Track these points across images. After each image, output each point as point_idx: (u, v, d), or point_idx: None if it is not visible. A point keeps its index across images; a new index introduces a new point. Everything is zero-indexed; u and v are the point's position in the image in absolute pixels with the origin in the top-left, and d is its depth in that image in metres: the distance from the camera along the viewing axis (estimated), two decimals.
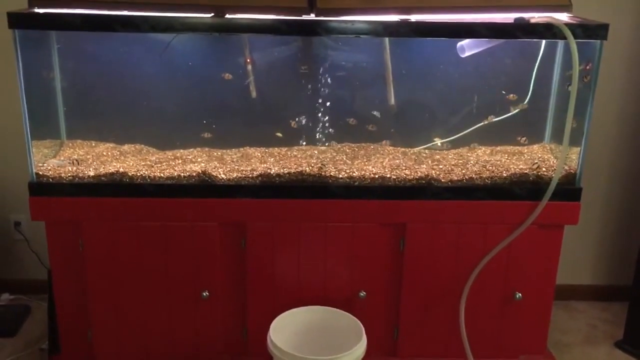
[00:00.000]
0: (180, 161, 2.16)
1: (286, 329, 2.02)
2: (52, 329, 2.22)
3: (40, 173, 2.03)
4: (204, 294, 2.09)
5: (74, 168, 2.04)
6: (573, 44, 1.86)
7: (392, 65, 2.17)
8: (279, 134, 2.19)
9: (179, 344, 2.16)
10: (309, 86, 2.22)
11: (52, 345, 2.24)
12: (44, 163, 2.08)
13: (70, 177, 2.04)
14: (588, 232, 2.77)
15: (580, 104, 1.96)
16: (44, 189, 2.02)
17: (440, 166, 2.14)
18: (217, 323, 2.15)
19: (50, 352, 2.24)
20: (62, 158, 2.11)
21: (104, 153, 2.20)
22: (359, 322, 2.00)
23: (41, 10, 1.93)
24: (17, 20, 1.88)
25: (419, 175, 2.08)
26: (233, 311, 2.15)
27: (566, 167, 2.08)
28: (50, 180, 2.03)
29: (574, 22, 1.96)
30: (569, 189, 2.07)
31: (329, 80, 2.21)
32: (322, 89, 2.21)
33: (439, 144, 2.27)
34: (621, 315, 2.62)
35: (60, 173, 2.04)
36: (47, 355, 2.29)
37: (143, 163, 2.13)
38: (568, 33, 1.87)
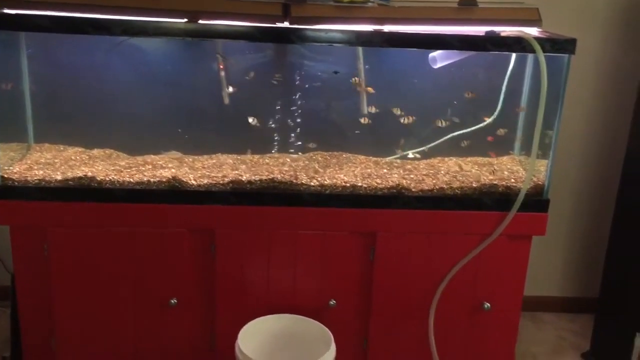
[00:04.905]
0: (150, 166, 2.13)
1: (255, 337, 2.01)
2: (15, 336, 2.17)
3: (6, 176, 2.00)
4: (172, 301, 2.06)
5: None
6: (542, 57, 1.90)
7: (365, 75, 2.18)
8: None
9: (145, 351, 2.12)
10: (282, 94, 2.22)
11: (15, 353, 2.19)
12: (10, 166, 2.05)
13: (37, 181, 2.00)
14: (556, 244, 2.81)
15: (549, 117, 2.00)
16: (9, 193, 1.98)
17: (412, 176, 2.16)
18: (185, 331, 2.12)
19: None
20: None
21: (73, 157, 2.17)
22: (328, 330, 1.99)
23: (11, 11, 1.90)
24: None
25: (390, 184, 2.09)
26: (201, 319, 2.13)
27: (534, 179, 2.11)
28: (16, 183, 1.99)
29: (543, 36, 2.00)
30: (536, 201, 2.09)
31: (302, 88, 2.21)
32: (295, 97, 2.21)
33: (411, 155, 2.29)
34: (588, 327, 2.65)
35: (27, 177, 2.01)
36: None
37: (112, 168, 2.10)
38: (537, 46, 1.91)
